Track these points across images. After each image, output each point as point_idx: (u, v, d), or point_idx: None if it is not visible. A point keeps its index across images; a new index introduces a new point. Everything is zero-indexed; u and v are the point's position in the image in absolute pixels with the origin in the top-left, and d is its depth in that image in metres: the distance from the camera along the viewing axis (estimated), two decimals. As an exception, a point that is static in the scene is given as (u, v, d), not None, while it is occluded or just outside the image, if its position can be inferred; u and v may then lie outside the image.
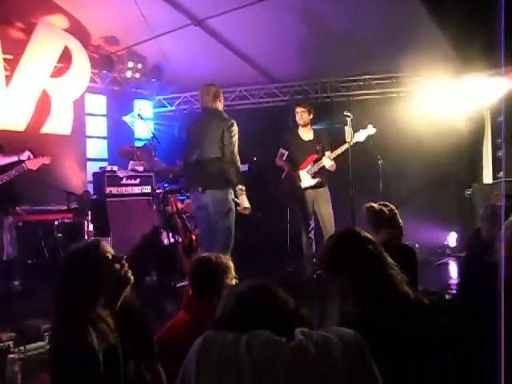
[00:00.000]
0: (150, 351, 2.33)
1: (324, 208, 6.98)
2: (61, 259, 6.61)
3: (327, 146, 7.03)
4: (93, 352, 2.05)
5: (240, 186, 5.59)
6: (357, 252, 2.19)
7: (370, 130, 6.80)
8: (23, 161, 6.19)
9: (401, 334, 2.01)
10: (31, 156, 6.23)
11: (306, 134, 7.08)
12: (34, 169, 6.26)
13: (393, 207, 3.90)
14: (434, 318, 2.25)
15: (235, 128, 5.70)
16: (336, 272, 2.22)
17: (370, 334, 1.58)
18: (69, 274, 2.26)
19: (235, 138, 5.67)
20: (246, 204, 5.62)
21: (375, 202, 4.00)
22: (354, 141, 6.58)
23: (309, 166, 6.97)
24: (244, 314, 1.57)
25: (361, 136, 6.71)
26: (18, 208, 6.95)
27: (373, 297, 2.11)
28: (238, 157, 5.66)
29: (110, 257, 2.32)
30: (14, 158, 6.20)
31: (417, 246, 8.19)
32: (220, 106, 5.92)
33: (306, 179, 6.99)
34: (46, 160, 6.38)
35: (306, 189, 7.01)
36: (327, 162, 6.86)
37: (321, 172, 6.96)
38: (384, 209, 3.84)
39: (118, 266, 2.33)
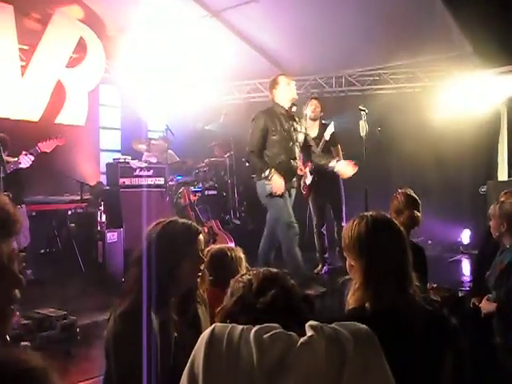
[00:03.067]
0: None
1: (335, 202, 6.92)
2: (73, 248, 6.58)
3: (334, 142, 6.96)
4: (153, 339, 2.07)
5: (263, 175, 5.55)
6: (387, 240, 2.14)
7: (331, 127, 6.83)
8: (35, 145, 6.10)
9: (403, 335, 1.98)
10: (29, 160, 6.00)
11: (313, 130, 6.98)
12: (48, 151, 6.20)
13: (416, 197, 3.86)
14: (437, 323, 2.19)
15: (255, 121, 5.70)
16: (357, 253, 2.17)
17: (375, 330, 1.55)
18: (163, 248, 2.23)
19: (251, 132, 5.68)
20: (277, 184, 5.51)
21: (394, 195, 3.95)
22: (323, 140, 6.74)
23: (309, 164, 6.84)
24: (251, 304, 1.56)
25: (327, 135, 6.72)
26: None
27: (384, 289, 2.08)
28: (252, 150, 5.68)
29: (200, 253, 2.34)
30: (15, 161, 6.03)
31: (429, 242, 8.15)
32: (275, 96, 5.83)
33: (309, 176, 6.92)
34: (59, 141, 6.31)
35: (313, 185, 6.93)
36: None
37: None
38: (408, 198, 3.80)
39: (202, 266, 2.35)
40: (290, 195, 5.76)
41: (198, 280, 2.36)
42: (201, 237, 2.35)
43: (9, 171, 5.66)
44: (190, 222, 2.40)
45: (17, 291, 1.19)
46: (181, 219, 2.40)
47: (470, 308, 4.06)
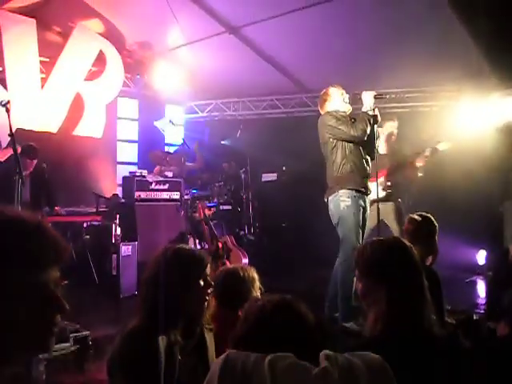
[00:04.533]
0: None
1: (392, 223, 6.64)
2: (88, 260, 6.59)
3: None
4: (159, 360, 2.07)
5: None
6: (406, 263, 2.13)
7: None
8: None
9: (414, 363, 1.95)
10: None
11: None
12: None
13: (435, 223, 3.78)
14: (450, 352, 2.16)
15: (325, 121, 5.37)
16: (375, 279, 2.16)
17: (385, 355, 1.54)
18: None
19: (326, 132, 5.33)
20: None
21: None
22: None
23: (381, 179, 6.53)
24: (265, 331, 1.56)
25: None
26: (57, 208, 7.09)
27: (401, 315, 2.06)
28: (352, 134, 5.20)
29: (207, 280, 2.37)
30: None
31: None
32: (326, 106, 5.53)
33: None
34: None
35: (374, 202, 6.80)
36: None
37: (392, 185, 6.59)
38: (424, 223, 3.73)
39: (208, 291, 2.37)
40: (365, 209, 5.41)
41: (206, 304, 2.38)
42: (208, 263, 2.40)
43: None
44: (197, 249, 2.45)
45: (58, 316, 1.23)
46: (187, 246, 2.45)
47: (485, 331, 4.01)
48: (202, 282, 2.33)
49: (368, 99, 5.30)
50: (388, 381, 1.43)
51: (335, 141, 5.30)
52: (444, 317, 3.47)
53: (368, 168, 5.43)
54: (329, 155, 5.36)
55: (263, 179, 10.50)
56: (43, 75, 8.32)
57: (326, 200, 5.40)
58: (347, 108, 5.50)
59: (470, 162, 7.84)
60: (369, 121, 5.22)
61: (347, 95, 5.54)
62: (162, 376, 2.07)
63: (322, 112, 5.60)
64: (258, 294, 2.98)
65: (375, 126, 5.35)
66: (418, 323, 2.05)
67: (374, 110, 5.27)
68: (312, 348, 1.50)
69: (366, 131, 5.23)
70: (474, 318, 4.76)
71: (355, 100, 5.59)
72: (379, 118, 5.43)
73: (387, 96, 5.52)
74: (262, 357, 1.43)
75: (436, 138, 6.65)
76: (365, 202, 5.38)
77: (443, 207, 7.82)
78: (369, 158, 5.46)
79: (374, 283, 2.15)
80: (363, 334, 2.19)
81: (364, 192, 5.32)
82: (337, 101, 5.48)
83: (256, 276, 3.06)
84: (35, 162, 6.79)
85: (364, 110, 5.30)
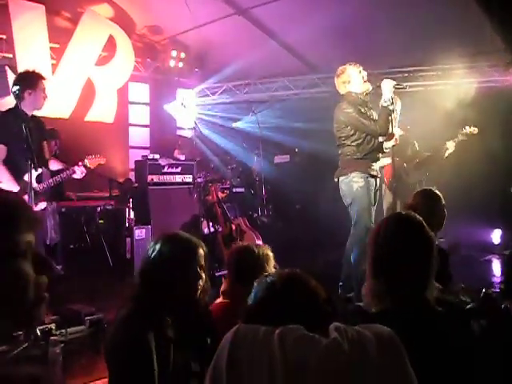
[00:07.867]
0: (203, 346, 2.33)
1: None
2: (102, 244, 6.60)
3: None
4: (149, 345, 2.09)
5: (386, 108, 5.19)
6: (417, 240, 2.10)
7: None
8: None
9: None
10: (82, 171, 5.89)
11: None
12: (92, 167, 6.17)
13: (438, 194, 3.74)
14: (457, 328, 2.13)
15: (344, 108, 5.32)
16: (372, 246, 2.15)
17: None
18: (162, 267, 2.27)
19: (343, 118, 5.31)
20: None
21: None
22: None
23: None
24: (275, 305, 1.55)
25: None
26: (70, 193, 7.15)
27: (391, 289, 2.05)
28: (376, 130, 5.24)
29: (202, 263, 2.35)
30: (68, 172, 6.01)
31: (442, 239, 8.02)
32: (346, 87, 5.44)
33: None
34: (102, 160, 6.26)
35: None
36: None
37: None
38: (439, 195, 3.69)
39: (203, 274, 2.36)
40: (376, 190, 5.44)
41: (199, 292, 2.36)
42: (201, 251, 2.37)
43: (60, 180, 5.60)
44: (190, 237, 2.40)
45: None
46: (184, 234, 2.41)
47: (501, 310, 3.98)
48: (197, 268, 2.32)
49: (387, 90, 5.24)
50: (398, 352, 1.42)
51: (350, 126, 5.30)
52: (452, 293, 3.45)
53: (379, 154, 5.47)
54: (343, 139, 5.37)
55: (276, 161, 10.48)
56: (54, 61, 8.32)
57: (336, 180, 5.42)
58: (366, 88, 5.46)
59: (485, 140, 7.75)
60: (389, 116, 5.22)
61: (365, 72, 5.49)
62: (156, 367, 2.08)
63: (340, 92, 5.55)
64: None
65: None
66: (413, 298, 2.03)
67: (392, 101, 5.22)
68: (322, 320, 1.50)
69: (387, 128, 5.26)
70: (490, 295, 4.73)
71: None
72: (396, 113, 5.42)
73: (407, 87, 5.46)
74: (272, 329, 1.43)
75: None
76: (376, 182, 5.41)
77: (460, 187, 7.78)
78: (382, 145, 5.46)
79: (369, 256, 2.15)
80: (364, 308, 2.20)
81: (375, 175, 5.34)
82: (356, 82, 5.43)
83: (270, 254, 3.04)
84: (58, 143, 6.88)
85: (383, 102, 5.25)
